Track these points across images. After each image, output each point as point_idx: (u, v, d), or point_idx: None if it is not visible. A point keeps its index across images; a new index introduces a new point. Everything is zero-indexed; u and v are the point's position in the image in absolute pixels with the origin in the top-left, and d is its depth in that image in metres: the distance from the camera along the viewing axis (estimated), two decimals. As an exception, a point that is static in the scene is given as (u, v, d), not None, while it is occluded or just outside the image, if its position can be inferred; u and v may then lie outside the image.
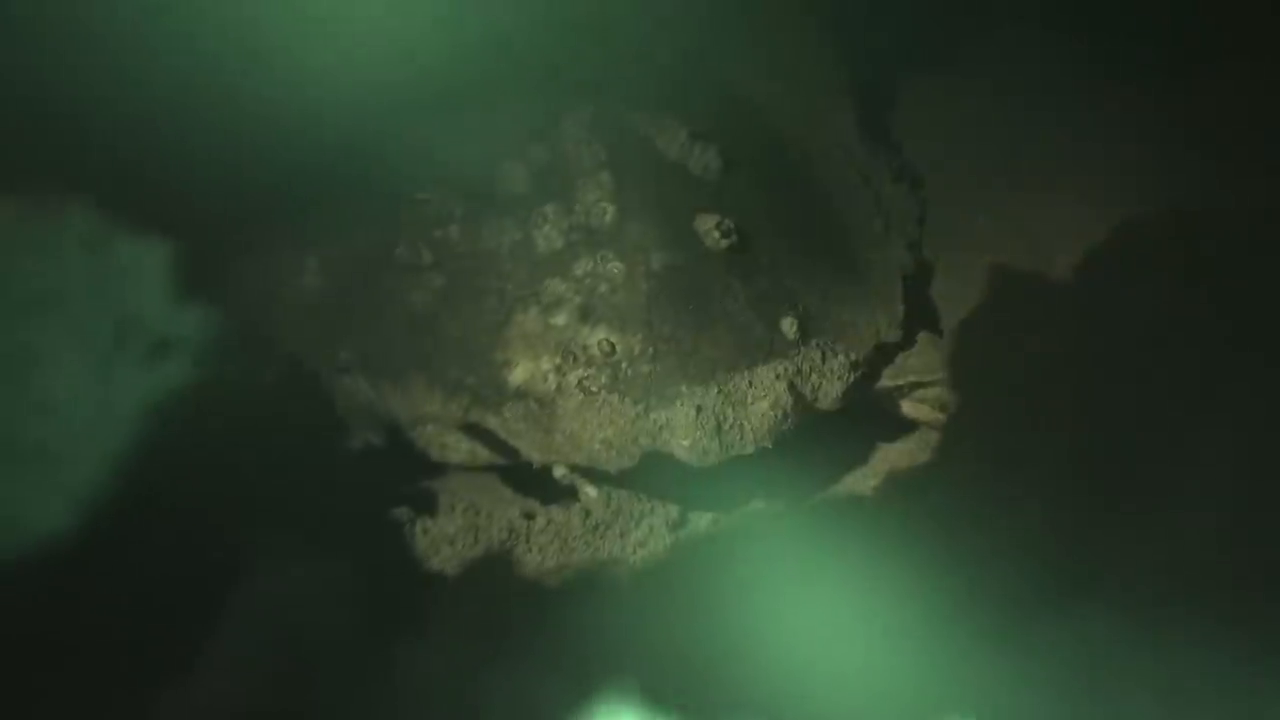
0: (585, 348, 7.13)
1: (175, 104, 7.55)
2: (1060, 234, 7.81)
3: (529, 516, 6.98)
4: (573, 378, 7.12)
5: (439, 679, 5.57)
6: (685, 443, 6.96)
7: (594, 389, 7.09)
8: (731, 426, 7.05)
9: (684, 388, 7.07)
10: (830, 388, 7.32)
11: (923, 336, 7.89)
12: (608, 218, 7.43)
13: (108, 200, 6.34)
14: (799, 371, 7.26)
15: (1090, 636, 5.69)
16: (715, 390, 7.07)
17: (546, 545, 6.64)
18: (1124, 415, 6.56)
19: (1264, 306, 6.54)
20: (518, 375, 7.15)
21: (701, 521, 7.16)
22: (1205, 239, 7.14)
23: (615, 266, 7.32)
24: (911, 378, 7.73)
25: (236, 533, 5.84)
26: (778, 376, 7.17)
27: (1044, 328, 7.28)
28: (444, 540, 6.68)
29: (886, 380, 7.79)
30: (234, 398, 6.29)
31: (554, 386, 7.13)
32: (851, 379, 7.42)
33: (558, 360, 7.15)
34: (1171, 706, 5.33)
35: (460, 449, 7.23)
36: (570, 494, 7.05)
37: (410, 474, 7.01)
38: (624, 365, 7.13)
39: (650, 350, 7.17)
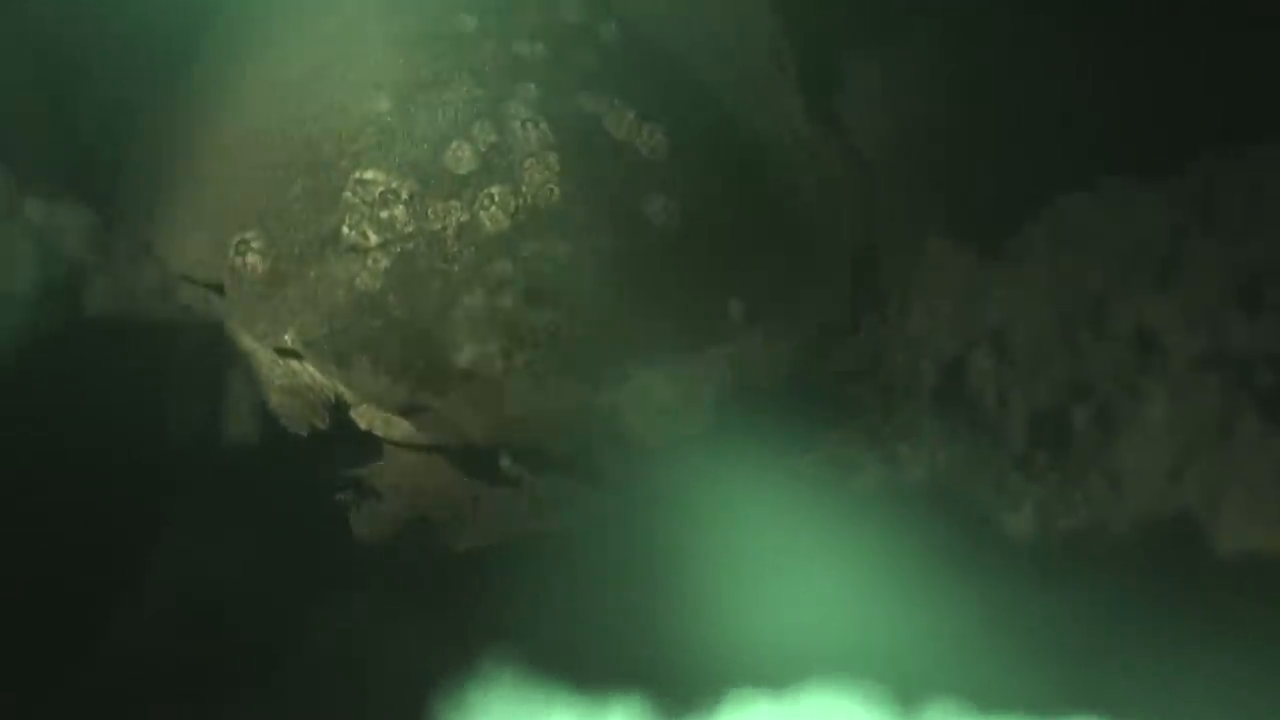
0: (532, 330, 7.12)
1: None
2: (1006, 210, 7.85)
3: (474, 498, 6.97)
4: (520, 360, 7.11)
5: (356, 637, 5.65)
6: (633, 425, 6.99)
7: (541, 372, 7.09)
8: (679, 408, 7.08)
9: (632, 370, 7.09)
10: (777, 369, 7.36)
11: (870, 317, 7.92)
12: (555, 199, 7.41)
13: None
14: (746, 353, 7.29)
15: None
16: (663, 372, 7.10)
17: (491, 526, 6.64)
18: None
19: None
20: (464, 357, 7.13)
21: (648, 500, 7.16)
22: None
23: (562, 248, 7.31)
24: (858, 359, 7.77)
25: (153, 501, 5.85)
26: (725, 359, 7.20)
27: (991, 303, 7.34)
28: (377, 513, 6.67)
29: (833, 361, 7.83)
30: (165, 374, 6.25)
31: (501, 369, 7.12)
32: (798, 361, 7.46)
33: (504, 343, 7.14)
34: None
35: (405, 430, 7.20)
36: (517, 477, 7.04)
37: (355, 453, 6.97)
38: (571, 348, 7.13)
39: (597, 333, 7.18)
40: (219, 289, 7.06)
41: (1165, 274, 7.32)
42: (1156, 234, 7.51)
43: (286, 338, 7.05)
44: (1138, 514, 6.30)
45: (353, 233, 7.29)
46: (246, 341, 6.89)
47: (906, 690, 5.72)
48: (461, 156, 7.50)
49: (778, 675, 5.81)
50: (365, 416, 7.08)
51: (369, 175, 7.28)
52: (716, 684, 5.71)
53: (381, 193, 7.33)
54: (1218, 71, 8.04)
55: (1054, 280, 7.41)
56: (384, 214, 7.36)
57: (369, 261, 7.14)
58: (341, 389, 7.04)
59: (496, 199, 7.21)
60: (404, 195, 7.35)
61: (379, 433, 7.14)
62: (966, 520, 6.42)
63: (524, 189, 7.28)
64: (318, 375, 7.00)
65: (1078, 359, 7.00)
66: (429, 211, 7.32)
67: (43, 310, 5.75)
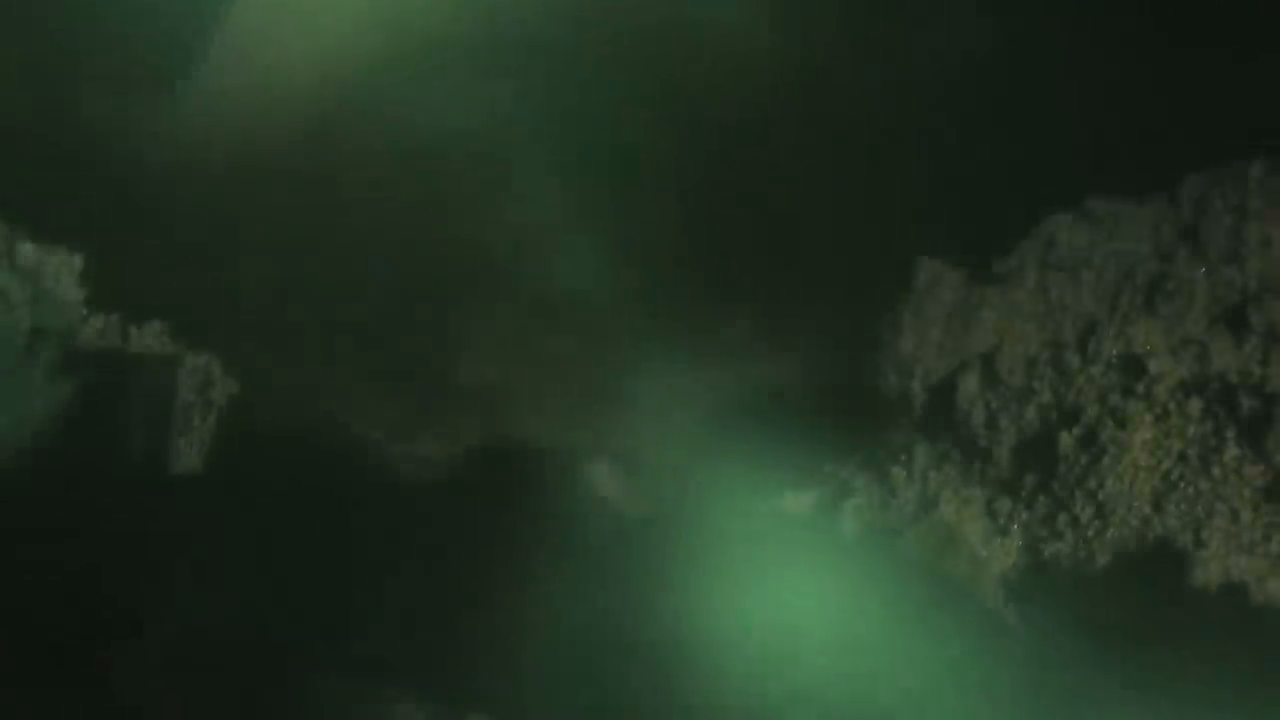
0: (538, 348, 7.24)
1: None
2: (997, 232, 7.92)
3: (477, 515, 7.06)
4: (526, 378, 7.22)
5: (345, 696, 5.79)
6: (641, 441, 7.10)
7: (546, 389, 7.21)
8: (685, 424, 7.19)
9: (636, 387, 7.20)
10: (783, 383, 7.46)
11: (883, 335, 7.93)
12: (558, 217, 7.49)
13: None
14: (747, 371, 7.41)
15: None
16: (669, 388, 7.22)
17: (495, 547, 6.75)
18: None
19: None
20: (466, 377, 7.25)
21: (648, 519, 7.27)
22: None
23: (565, 268, 7.39)
24: (854, 378, 7.87)
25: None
26: (727, 376, 7.32)
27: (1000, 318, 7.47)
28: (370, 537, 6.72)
29: (831, 380, 7.93)
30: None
31: (502, 388, 7.24)
32: (798, 379, 7.56)
33: (510, 360, 7.25)
34: None
35: (411, 450, 7.29)
36: (519, 494, 7.15)
37: (357, 477, 7.04)
38: (577, 365, 7.25)
39: (604, 350, 7.29)
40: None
41: (1152, 297, 7.44)
42: (1144, 257, 7.62)
43: (287, 359, 7.13)
44: (1122, 540, 6.46)
45: (353, 253, 7.37)
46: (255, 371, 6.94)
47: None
48: (464, 175, 7.57)
49: (762, 701, 5.97)
50: (372, 438, 7.17)
51: (371, 194, 7.36)
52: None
53: (383, 212, 7.42)
54: (1204, 95, 8.16)
55: (1044, 303, 7.54)
56: (385, 234, 7.44)
57: (372, 281, 7.24)
58: (345, 412, 7.13)
59: (499, 217, 7.30)
60: (406, 215, 7.44)
61: (384, 455, 7.23)
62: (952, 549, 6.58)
63: (527, 207, 7.36)
64: (323, 399, 7.09)
65: (1066, 382, 7.14)
66: (431, 231, 7.40)
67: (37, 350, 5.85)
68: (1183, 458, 6.74)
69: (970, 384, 7.34)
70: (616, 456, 7.19)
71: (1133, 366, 7.18)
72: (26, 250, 6.16)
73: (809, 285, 8.05)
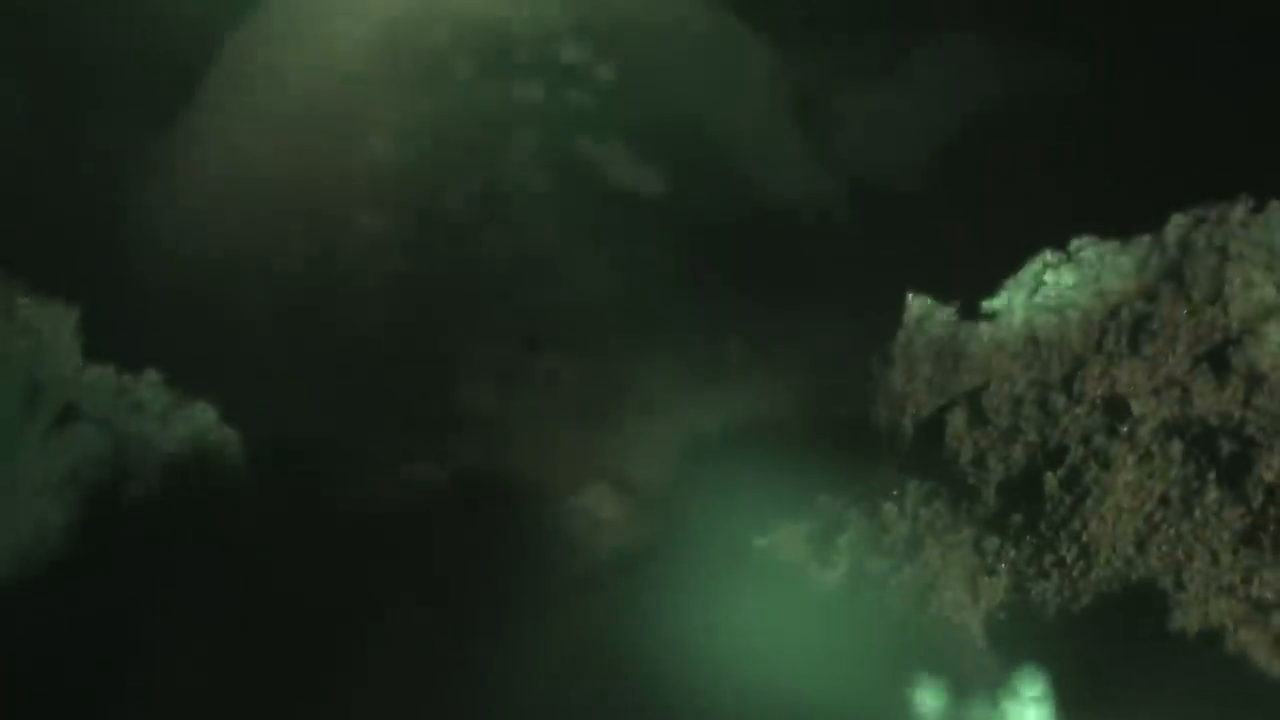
0: (534, 374, 7.32)
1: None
2: (1011, 244, 8.04)
3: (473, 538, 7.15)
4: (522, 404, 7.31)
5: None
6: (635, 467, 7.20)
7: (543, 415, 7.30)
8: (680, 449, 7.30)
9: (632, 413, 7.31)
10: (775, 410, 7.58)
11: (874, 361, 8.06)
12: (554, 243, 7.58)
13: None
14: (744, 395, 7.52)
15: None
16: (664, 414, 7.33)
17: (503, 571, 6.83)
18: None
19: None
20: (469, 400, 7.32)
21: (646, 541, 7.38)
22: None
23: (562, 293, 7.49)
24: (849, 408, 7.98)
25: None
26: (724, 400, 7.43)
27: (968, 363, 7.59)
28: (392, 587, 6.80)
29: (832, 400, 8.04)
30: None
31: (504, 413, 7.32)
32: (793, 403, 7.68)
33: (504, 387, 7.33)
34: None
35: (416, 477, 7.35)
36: (523, 514, 7.24)
37: (366, 503, 7.11)
38: (572, 391, 7.34)
39: (598, 375, 7.40)
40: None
41: (1136, 337, 7.57)
42: (1130, 297, 7.75)
43: (298, 392, 7.17)
44: (1106, 581, 6.60)
45: (352, 278, 7.41)
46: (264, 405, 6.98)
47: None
48: (461, 201, 7.63)
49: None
50: (377, 464, 7.22)
51: (367, 220, 7.40)
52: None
53: (381, 238, 7.46)
54: (1189, 135, 8.33)
55: (1031, 342, 7.66)
56: (383, 260, 7.49)
57: (370, 307, 7.29)
58: (351, 439, 7.18)
59: (496, 244, 7.37)
60: (403, 241, 7.49)
61: (391, 481, 7.28)
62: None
63: (523, 234, 7.44)
64: (327, 425, 7.14)
65: (1051, 422, 7.27)
66: (429, 257, 7.46)
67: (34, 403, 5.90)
68: (1164, 500, 6.91)
69: (959, 421, 7.48)
70: (613, 482, 7.29)
71: (1117, 407, 7.33)
72: (24, 304, 6.22)
73: (805, 316, 8.15)
